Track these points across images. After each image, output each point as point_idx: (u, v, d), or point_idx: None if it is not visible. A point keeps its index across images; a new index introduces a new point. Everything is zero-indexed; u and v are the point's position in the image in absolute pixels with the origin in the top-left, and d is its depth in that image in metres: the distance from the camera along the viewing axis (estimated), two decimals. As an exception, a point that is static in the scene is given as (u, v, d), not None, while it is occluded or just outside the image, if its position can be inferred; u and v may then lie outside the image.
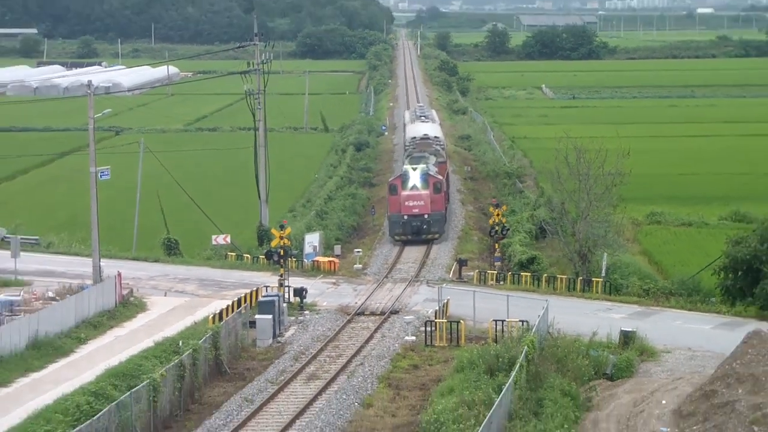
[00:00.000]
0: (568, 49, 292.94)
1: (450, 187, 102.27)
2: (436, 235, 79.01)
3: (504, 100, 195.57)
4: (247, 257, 77.63)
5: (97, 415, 41.60)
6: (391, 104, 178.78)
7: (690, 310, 64.55)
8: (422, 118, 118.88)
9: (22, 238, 73.62)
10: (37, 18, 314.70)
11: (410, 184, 78.87)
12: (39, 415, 43.15)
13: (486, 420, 39.76)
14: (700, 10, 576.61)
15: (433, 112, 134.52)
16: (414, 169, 79.95)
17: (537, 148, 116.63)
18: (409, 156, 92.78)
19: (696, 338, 57.56)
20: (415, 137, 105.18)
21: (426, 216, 77.58)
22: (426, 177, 79.36)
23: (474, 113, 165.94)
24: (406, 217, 77.68)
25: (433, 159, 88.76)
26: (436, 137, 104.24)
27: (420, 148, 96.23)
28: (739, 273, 63.03)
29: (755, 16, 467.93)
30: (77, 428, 40.82)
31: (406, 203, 77.72)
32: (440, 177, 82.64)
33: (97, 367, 49.68)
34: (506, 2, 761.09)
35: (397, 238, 78.80)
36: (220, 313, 58.22)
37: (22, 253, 70.46)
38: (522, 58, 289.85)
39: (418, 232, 77.67)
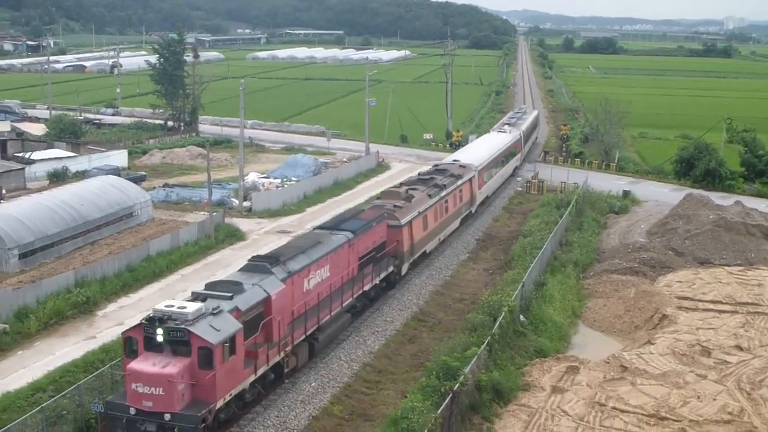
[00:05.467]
0: (603, 49, 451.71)
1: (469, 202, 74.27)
2: None
3: (570, 73, 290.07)
4: (440, 145, 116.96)
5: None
6: (514, 73, 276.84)
7: (658, 181, 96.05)
8: (506, 126, 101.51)
9: (332, 132, 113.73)
10: (343, 25, 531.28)
11: (154, 343, 33.49)
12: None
13: (554, 230, 64.06)
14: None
15: (533, 113, 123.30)
16: (159, 326, 33.23)
17: (585, 97, 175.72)
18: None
19: (660, 195, 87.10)
20: (437, 165, 76.21)
21: (167, 417, 32.37)
22: (185, 335, 33.10)
23: (555, 78, 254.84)
24: (132, 410, 32.84)
25: (246, 293, 37.13)
26: (462, 166, 73.53)
27: (419, 182, 65.31)
28: (683, 164, 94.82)
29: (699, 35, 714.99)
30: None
31: (134, 386, 32.77)
32: (237, 327, 34.27)
33: (366, 195, 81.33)
34: (599, 23, 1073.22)
35: None
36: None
37: (332, 139, 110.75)
38: (580, 52, 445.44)
39: None
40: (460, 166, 73.17)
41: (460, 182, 69.01)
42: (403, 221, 54.46)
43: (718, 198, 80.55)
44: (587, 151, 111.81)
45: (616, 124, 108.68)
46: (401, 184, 66.46)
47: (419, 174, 70.94)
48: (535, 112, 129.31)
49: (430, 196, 61.25)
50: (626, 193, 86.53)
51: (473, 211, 75.30)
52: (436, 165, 76.16)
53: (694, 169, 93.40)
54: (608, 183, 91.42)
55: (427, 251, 60.89)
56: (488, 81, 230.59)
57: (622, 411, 38.05)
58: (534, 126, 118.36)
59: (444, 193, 64.26)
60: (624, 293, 55.01)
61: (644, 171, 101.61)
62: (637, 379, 41.24)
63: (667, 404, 38.50)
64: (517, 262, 58.49)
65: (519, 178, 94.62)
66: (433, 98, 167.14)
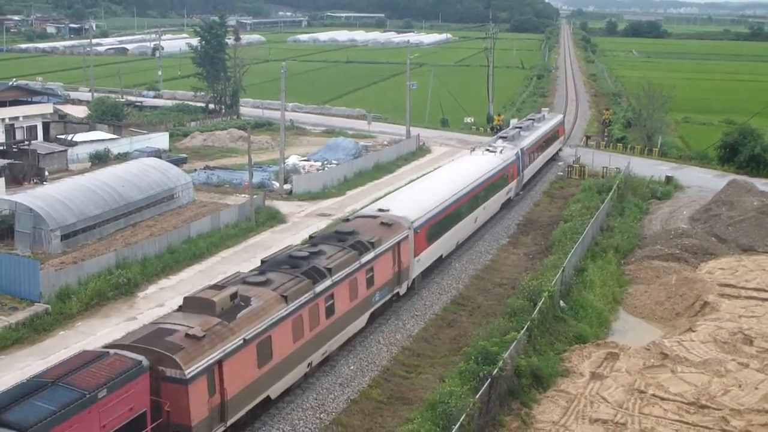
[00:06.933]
0: (647, 32, 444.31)
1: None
2: None
3: (613, 56, 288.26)
4: (481, 129, 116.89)
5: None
6: (556, 56, 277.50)
7: (701, 167, 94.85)
8: (498, 142, 75.48)
9: (373, 115, 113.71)
10: (385, 8, 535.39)
11: None
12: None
13: (595, 215, 63.43)
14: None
15: (552, 120, 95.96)
16: None
17: (628, 81, 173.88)
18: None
19: (703, 181, 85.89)
20: (347, 220, 49.34)
21: None
22: None
23: (597, 62, 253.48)
24: None
25: None
26: (385, 223, 45.66)
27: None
28: (727, 150, 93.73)
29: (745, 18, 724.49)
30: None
31: None
32: None
33: (406, 179, 79.92)
34: (643, 6, 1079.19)
35: None
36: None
37: (373, 123, 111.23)
38: (623, 36, 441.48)
39: None
40: (382, 223, 45.84)
41: (370, 256, 41.88)
42: (194, 369, 27.83)
43: (762, 184, 79.49)
44: (630, 135, 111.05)
45: (659, 109, 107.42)
46: (262, 262, 39.89)
47: (306, 241, 47.13)
48: (557, 118, 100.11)
49: (285, 298, 34.05)
50: (669, 179, 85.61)
51: (402, 293, 47.64)
52: (347, 219, 49.96)
53: (739, 154, 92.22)
54: (651, 168, 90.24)
55: (272, 397, 33.92)
56: (530, 65, 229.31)
57: (662, 398, 37.68)
58: (550, 138, 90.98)
59: (325, 284, 37.17)
60: (665, 280, 54.33)
61: (687, 156, 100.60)
62: (677, 366, 40.82)
63: (707, 392, 38.08)
64: (558, 247, 58.03)
65: (561, 162, 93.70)
66: (474, 82, 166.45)
